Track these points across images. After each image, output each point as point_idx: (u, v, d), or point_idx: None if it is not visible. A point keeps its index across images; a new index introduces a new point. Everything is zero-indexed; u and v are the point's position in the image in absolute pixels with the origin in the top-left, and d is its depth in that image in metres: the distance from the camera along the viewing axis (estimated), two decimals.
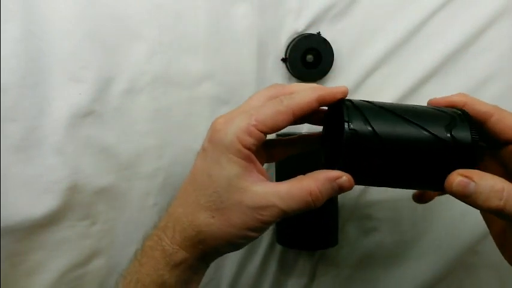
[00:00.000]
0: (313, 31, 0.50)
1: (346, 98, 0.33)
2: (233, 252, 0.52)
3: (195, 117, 0.49)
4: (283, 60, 0.50)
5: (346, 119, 0.31)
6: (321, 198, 0.31)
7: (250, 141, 0.31)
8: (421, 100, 0.52)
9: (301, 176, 0.32)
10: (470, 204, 0.30)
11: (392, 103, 0.34)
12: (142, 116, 0.48)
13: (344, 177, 0.31)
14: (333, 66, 0.50)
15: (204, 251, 0.33)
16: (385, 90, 0.52)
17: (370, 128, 0.31)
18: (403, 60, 0.51)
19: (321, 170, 0.32)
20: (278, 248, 0.53)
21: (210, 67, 0.49)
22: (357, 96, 0.52)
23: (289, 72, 0.51)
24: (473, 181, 0.30)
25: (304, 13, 0.50)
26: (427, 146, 0.31)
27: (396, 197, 0.54)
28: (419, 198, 0.41)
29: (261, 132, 0.31)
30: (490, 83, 0.52)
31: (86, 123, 0.46)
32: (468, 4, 0.51)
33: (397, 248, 0.56)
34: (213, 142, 0.32)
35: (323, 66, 0.50)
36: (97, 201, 0.48)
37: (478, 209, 0.31)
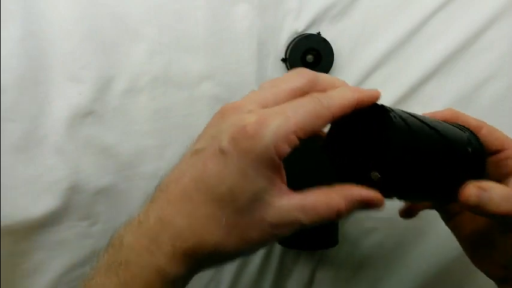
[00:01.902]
0: (313, 31, 0.50)
1: (387, 107, 0.31)
2: None
3: (195, 117, 0.49)
4: (283, 60, 0.50)
5: (394, 130, 0.28)
6: (346, 216, 0.28)
7: (287, 150, 0.26)
8: (421, 100, 0.52)
9: (329, 188, 0.28)
10: (479, 212, 0.31)
11: (419, 114, 0.33)
12: (142, 116, 0.48)
13: (376, 200, 0.28)
14: (333, 66, 0.50)
15: (208, 266, 0.29)
16: (385, 90, 0.51)
17: (414, 141, 0.30)
18: (403, 60, 0.51)
19: (351, 186, 0.28)
20: (278, 248, 0.53)
21: (210, 67, 0.49)
22: None
23: None
24: (485, 190, 0.31)
25: (304, 13, 0.50)
26: (453, 160, 0.33)
27: None
28: (407, 213, 0.42)
29: (299, 139, 0.26)
30: (490, 83, 0.52)
31: (86, 123, 0.46)
32: (468, 4, 0.51)
33: (397, 248, 0.56)
34: (241, 148, 0.26)
35: (323, 66, 0.50)
36: (97, 201, 0.48)
37: (487, 216, 0.32)
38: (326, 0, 0.49)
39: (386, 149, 0.28)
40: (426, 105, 0.52)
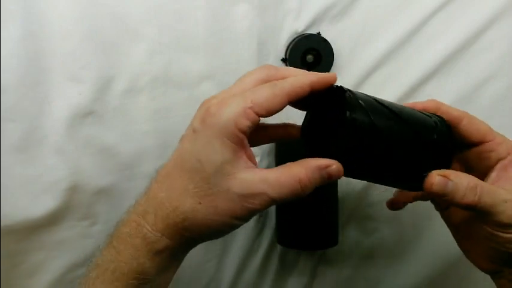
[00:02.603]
0: (313, 31, 0.50)
1: (345, 88, 0.33)
2: (233, 252, 0.53)
3: None
4: (283, 60, 0.50)
5: (347, 106, 0.31)
6: (309, 186, 0.31)
7: (246, 124, 0.30)
8: (421, 100, 0.52)
9: (291, 163, 0.31)
10: (447, 202, 0.33)
11: (385, 100, 0.34)
12: (142, 116, 0.48)
13: (334, 166, 0.31)
14: (333, 66, 0.50)
15: (188, 237, 0.32)
16: (385, 90, 0.52)
17: (368, 119, 0.31)
18: (403, 60, 0.51)
19: (310, 158, 0.31)
20: (278, 248, 0.53)
21: (210, 67, 0.49)
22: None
23: None
24: (451, 180, 0.32)
25: (304, 13, 0.50)
26: (416, 145, 0.33)
27: None
28: (392, 204, 0.43)
29: (257, 115, 0.30)
30: (490, 83, 0.52)
31: (86, 123, 0.46)
32: (468, 4, 0.51)
33: (397, 248, 0.56)
34: (206, 124, 0.30)
35: (323, 66, 0.50)
36: (97, 201, 0.48)
37: (454, 205, 0.33)
38: (326, 0, 0.49)
39: (339, 127, 0.31)
40: None
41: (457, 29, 0.51)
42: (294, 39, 0.50)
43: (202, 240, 0.33)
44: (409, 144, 0.33)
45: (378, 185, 0.53)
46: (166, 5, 0.47)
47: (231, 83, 0.49)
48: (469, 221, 0.37)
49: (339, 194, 0.51)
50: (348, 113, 0.31)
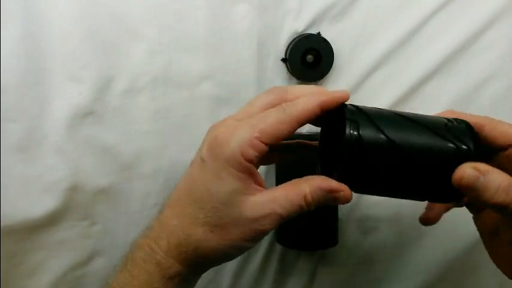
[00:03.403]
0: (313, 31, 0.50)
1: (349, 103, 0.32)
2: None
3: (195, 117, 0.49)
4: (283, 60, 0.50)
5: (348, 123, 0.30)
6: (312, 204, 0.31)
7: (253, 154, 0.30)
8: (421, 100, 0.52)
9: (298, 179, 0.32)
10: (475, 199, 0.30)
11: (392, 110, 0.33)
12: (142, 116, 0.48)
13: (341, 193, 0.31)
14: (333, 66, 0.50)
15: (200, 263, 0.32)
16: (385, 90, 0.52)
17: (381, 135, 0.30)
18: (404, 60, 0.51)
19: (317, 176, 0.31)
20: (278, 248, 0.53)
21: (210, 67, 0.49)
22: (357, 96, 0.52)
23: (289, 72, 0.51)
24: (483, 174, 0.29)
25: (304, 13, 0.50)
26: (438, 153, 0.31)
27: None
28: (425, 220, 0.41)
29: (264, 144, 0.30)
30: (490, 83, 0.52)
31: (86, 123, 0.46)
32: (468, 4, 0.51)
33: (397, 248, 0.56)
34: (214, 154, 0.31)
35: (323, 66, 0.50)
36: (97, 202, 0.48)
37: (482, 204, 0.31)
38: (326, 0, 0.49)
39: (342, 146, 0.30)
40: (426, 105, 0.52)
41: (457, 29, 0.51)
42: (294, 39, 0.50)
43: (214, 265, 0.34)
44: (431, 152, 0.31)
45: None
46: (166, 5, 0.47)
47: (231, 83, 0.50)
48: (499, 225, 0.36)
49: None
50: (348, 128, 0.30)
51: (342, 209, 0.52)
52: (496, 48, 0.52)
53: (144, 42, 0.47)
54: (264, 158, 0.32)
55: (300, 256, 0.54)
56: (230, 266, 0.52)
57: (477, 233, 0.55)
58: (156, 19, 0.47)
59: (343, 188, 0.31)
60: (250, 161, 0.30)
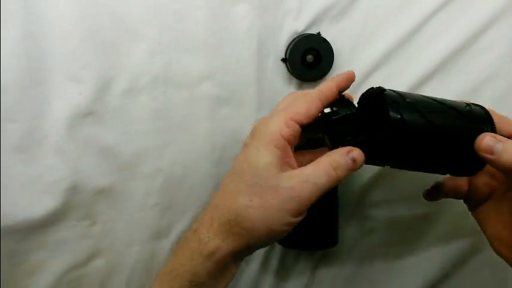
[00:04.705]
0: (313, 31, 0.50)
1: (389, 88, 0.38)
2: None
3: (195, 117, 0.49)
4: (283, 60, 0.50)
5: (389, 106, 0.35)
6: (339, 171, 0.35)
7: (288, 131, 0.35)
8: None
9: (321, 157, 0.36)
10: (493, 164, 0.35)
11: (422, 94, 0.38)
12: (142, 116, 0.48)
13: (355, 151, 0.36)
14: (333, 66, 0.50)
15: (240, 239, 0.35)
16: None
17: (421, 116, 0.35)
18: (404, 60, 0.51)
19: (339, 149, 0.37)
20: (278, 248, 0.53)
21: (210, 67, 0.49)
22: (357, 96, 0.52)
23: (289, 72, 0.51)
24: (501, 141, 0.35)
25: (304, 13, 0.50)
26: (466, 133, 0.36)
27: (396, 197, 0.54)
28: (428, 196, 0.46)
29: (298, 123, 0.36)
30: (490, 83, 0.52)
31: (86, 123, 0.46)
32: (468, 4, 0.51)
33: (397, 248, 0.56)
34: (254, 136, 0.36)
35: (323, 66, 0.50)
36: (97, 201, 0.48)
37: (499, 168, 0.35)
38: (326, 0, 0.49)
39: (386, 128, 0.35)
40: None
41: (457, 29, 0.51)
42: (294, 39, 0.50)
43: (255, 243, 0.35)
44: (461, 133, 0.36)
45: (377, 185, 0.54)
46: (166, 5, 0.47)
47: (231, 83, 0.50)
48: (505, 218, 0.40)
49: (339, 194, 0.51)
50: (392, 114, 0.35)
51: (342, 209, 0.52)
52: (496, 48, 0.52)
53: (144, 42, 0.47)
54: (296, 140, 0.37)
55: (300, 256, 0.54)
56: None
57: (476, 234, 0.55)
58: (156, 19, 0.47)
59: (355, 148, 0.36)
60: (286, 138, 0.35)
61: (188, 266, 0.35)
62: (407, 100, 0.36)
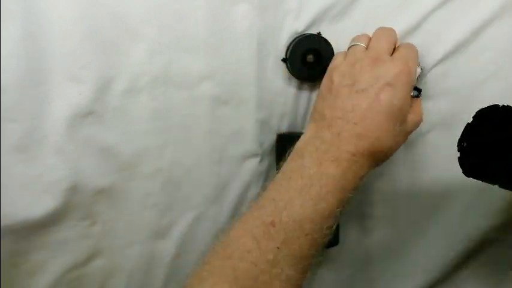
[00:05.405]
0: (313, 31, 0.50)
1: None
2: None
3: (195, 117, 0.49)
4: (284, 60, 0.50)
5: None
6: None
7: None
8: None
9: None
10: None
11: None
12: (142, 116, 0.48)
13: None
14: None
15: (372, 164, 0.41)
16: None
17: None
18: None
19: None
20: None
21: (210, 67, 0.49)
22: None
23: (289, 72, 0.51)
24: None
25: (304, 13, 0.49)
26: None
27: (396, 196, 0.54)
28: None
29: None
30: (490, 83, 0.52)
31: (86, 123, 0.46)
32: (468, 3, 0.51)
33: (396, 248, 0.56)
34: (403, 81, 0.42)
35: (323, 66, 0.50)
36: (97, 202, 0.48)
37: None
38: (326, 0, 0.49)
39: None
40: (426, 105, 0.52)
41: (457, 28, 0.51)
42: (294, 39, 0.50)
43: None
44: None
45: (377, 185, 0.54)
46: (166, 5, 0.47)
47: (231, 83, 0.50)
48: None
49: None
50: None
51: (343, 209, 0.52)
52: (496, 47, 0.52)
53: (144, 42, 0.47)
54: None
55: None
56: None
57: (477, 233, 0.55)
58: (156, 19, 0.47)
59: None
60: None
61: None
62: None
